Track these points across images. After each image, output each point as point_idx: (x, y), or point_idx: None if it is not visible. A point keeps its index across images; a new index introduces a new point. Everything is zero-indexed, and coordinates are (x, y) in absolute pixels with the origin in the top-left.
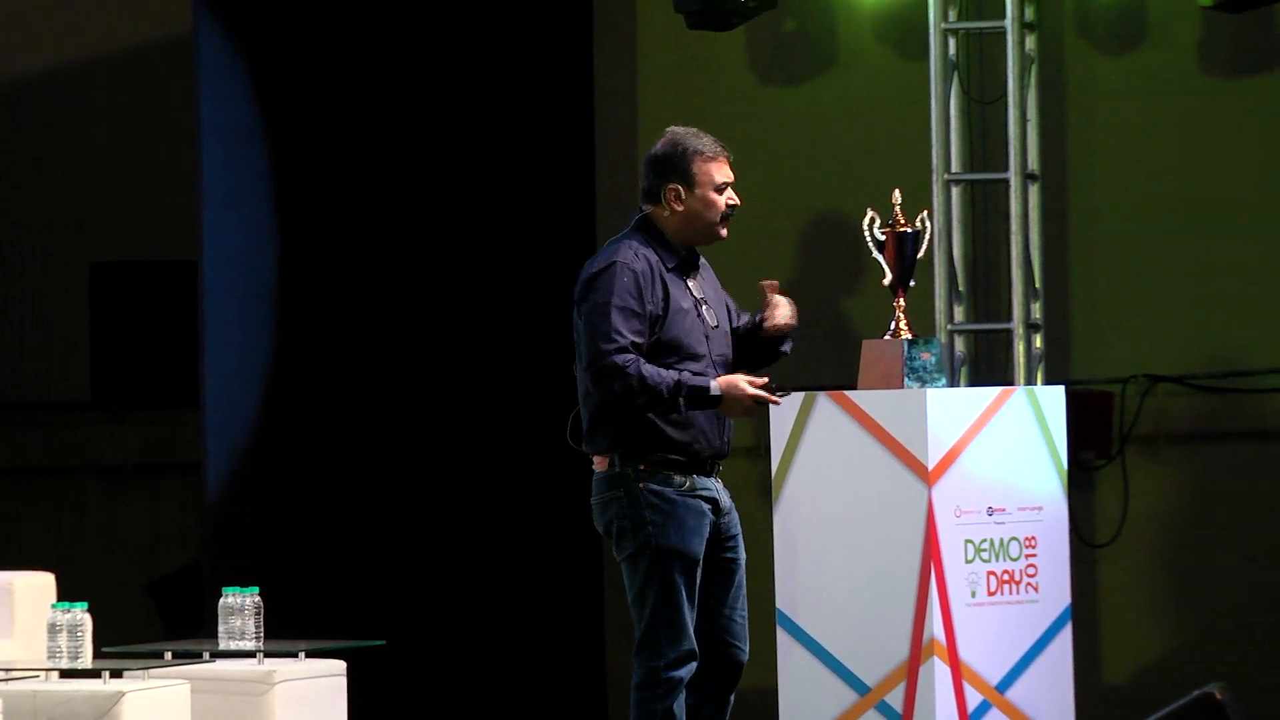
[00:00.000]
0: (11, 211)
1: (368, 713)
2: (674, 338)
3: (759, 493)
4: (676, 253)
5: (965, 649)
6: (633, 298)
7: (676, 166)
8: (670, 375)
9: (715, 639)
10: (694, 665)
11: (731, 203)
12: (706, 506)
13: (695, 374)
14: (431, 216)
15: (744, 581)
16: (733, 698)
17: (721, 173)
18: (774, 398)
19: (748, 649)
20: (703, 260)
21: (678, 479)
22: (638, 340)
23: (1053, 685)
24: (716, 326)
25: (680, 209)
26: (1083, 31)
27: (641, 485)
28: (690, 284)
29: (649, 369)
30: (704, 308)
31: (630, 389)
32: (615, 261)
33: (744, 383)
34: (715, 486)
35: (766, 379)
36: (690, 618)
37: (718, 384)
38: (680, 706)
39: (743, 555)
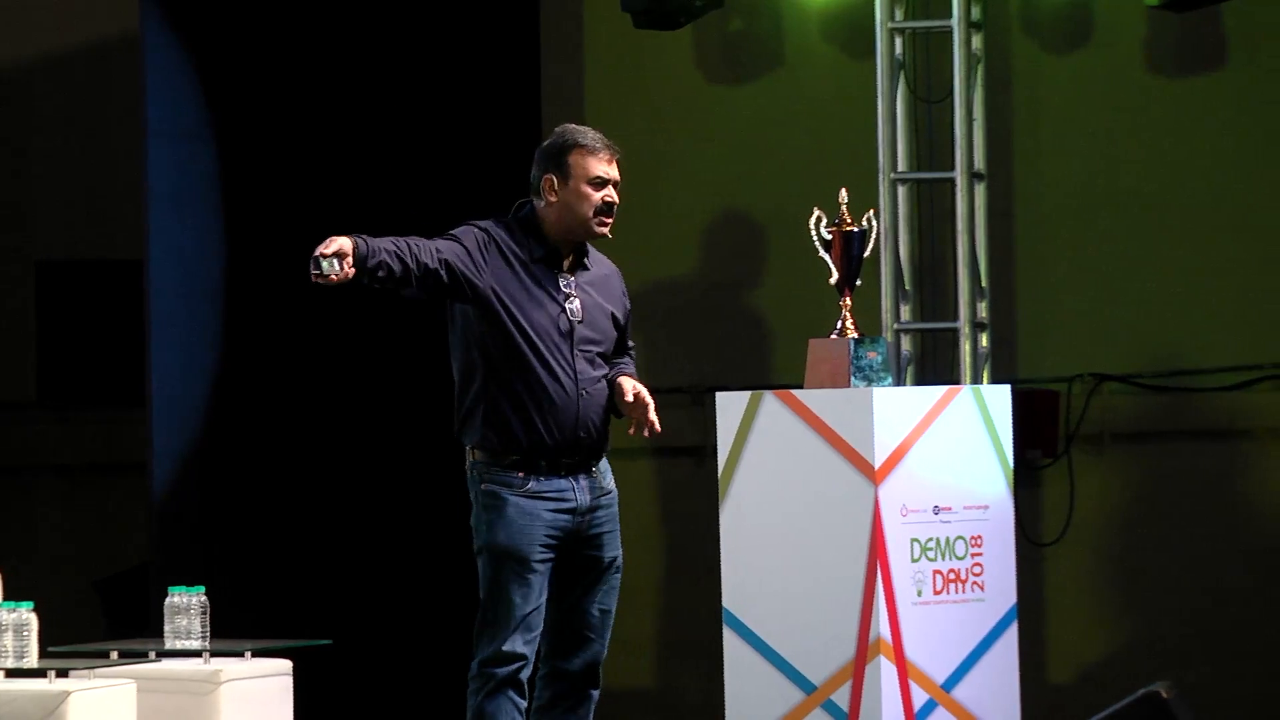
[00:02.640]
0: None
1: (314, 712)
2: (521, 325)
3: (705, 492)
4: (545, 244)
5: (911, 648)
6: (481, 245)
7: (555, 157)
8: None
9: (572, 633)
10: (520, 665)
11: (609, 200)
12: (546, 508)
13: (544, 370)
14: (377, 216)
15: (614, 578)
16: (595, 693)
17: (599, 167)
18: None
19: (604, 644)
20: (598, 265)
21: (516, 478)
22: (429, 243)
23: (998, 684)
24: (581, 320)
25: (554, 200)
26: (1029, 31)
27: (484, 485)
28: (564, 278)
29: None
30: (570, 301)
31: None
32: (476, 222)
33: (339, 241)
34: (572, 486)
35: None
36: (520, 619)
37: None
38: (499, 705)
39: (612, 552)
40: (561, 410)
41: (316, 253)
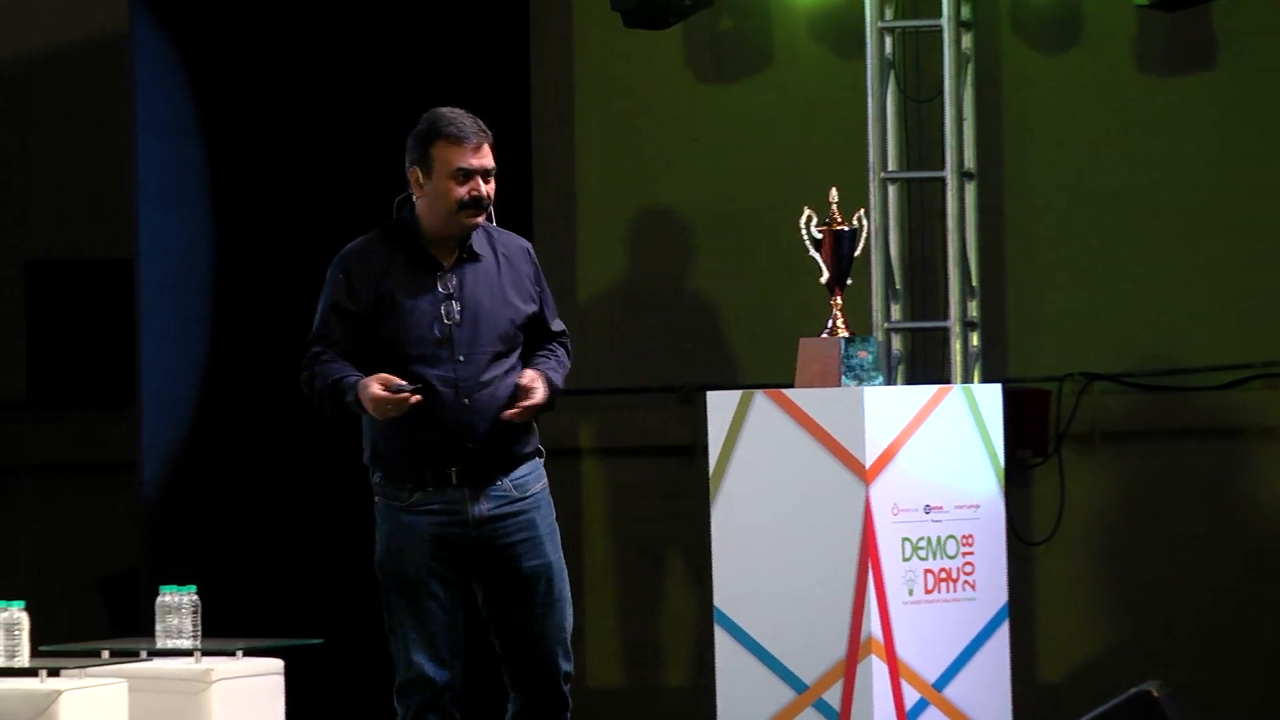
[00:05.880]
0: None
1: (305, 711)
2: (392, 335)
3: (695, 491)
4: (419, 247)
5: (903, 647)
6: (346, 297)
7: (419, 149)
8: (333, 373)
9: (518, 652)
10: (433, 692)
11: (475, 194)
12: (429, 522)
13: (423, 376)
14: (368, 214)
15: (542, 588)
16: (566, 715)
17: (463, 159)
18: (395, 396)
19: (556, 660)
20: (499, 247)
21: (403, 494)
22: (337, 336)
23: (990, 683)
24: (460, 323)
25: (422, 195)
26: (1019, 30)
27: (376, 499)
28: (444, 279)
29: (321, 367)
30: (449, 304)
31: (304, 384)
32: (340, 255)
33: (375, 385)
34: (464, 496)
35: (404, 382)
36: (419, 642)
37: (360, 385)
38: None
39: (533, 561)
40: (439, 421)
41: (392, 398)
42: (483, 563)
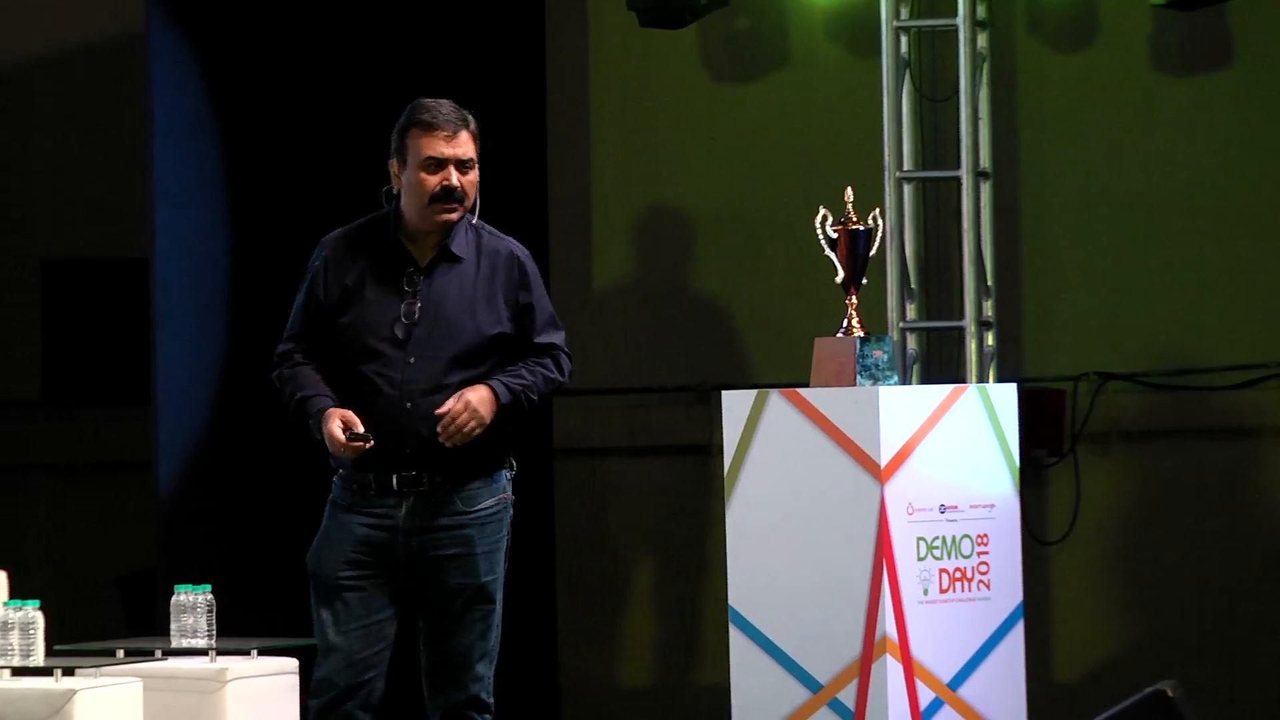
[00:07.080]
0: None
1: None
2: (348, 327)
3: (710, 490)
4: (394, 241)
5: (917, 646)
6: (320, 286)
7: (397, 138)
8: (302, 387)
9: (434, 671)
10: (334, 696)
11: (447, 184)
12: (360, 522)
13: (365, 382)
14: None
15: (465, 608)
16: None
17: (435, 146)
18: (351, 444)
19: (468, 686)
20: (482, 252)
21: (348, 495)
22: (309, 332)
23: (1004, 682)
24: (418, 322)
25: (401, 187)
26: (1034, 29)
27: (330, 496)
28: (412, 276)
29: (292, 371)
30: (411, 302)
31: (274, 380)
32: (322, 240)
33: (335, 422)
34: (400, 504)
35: (361, 430)
36: (331, 644)
37: (324, 415)
38: None
39: (461, 579)
40: (379, 422)
41: (345, 442)
42: (411, 571)
